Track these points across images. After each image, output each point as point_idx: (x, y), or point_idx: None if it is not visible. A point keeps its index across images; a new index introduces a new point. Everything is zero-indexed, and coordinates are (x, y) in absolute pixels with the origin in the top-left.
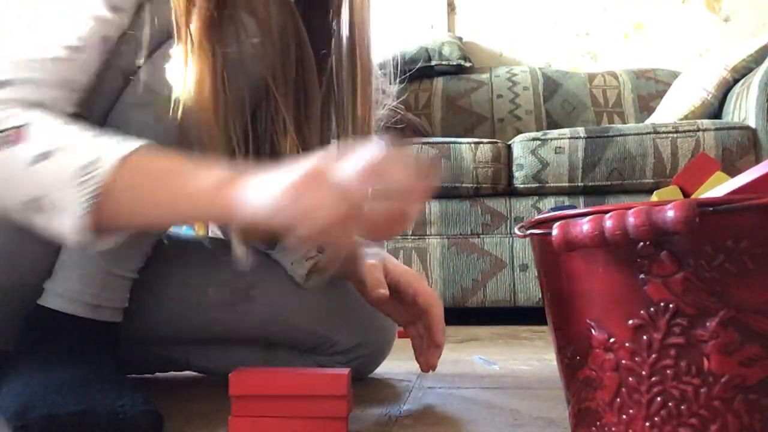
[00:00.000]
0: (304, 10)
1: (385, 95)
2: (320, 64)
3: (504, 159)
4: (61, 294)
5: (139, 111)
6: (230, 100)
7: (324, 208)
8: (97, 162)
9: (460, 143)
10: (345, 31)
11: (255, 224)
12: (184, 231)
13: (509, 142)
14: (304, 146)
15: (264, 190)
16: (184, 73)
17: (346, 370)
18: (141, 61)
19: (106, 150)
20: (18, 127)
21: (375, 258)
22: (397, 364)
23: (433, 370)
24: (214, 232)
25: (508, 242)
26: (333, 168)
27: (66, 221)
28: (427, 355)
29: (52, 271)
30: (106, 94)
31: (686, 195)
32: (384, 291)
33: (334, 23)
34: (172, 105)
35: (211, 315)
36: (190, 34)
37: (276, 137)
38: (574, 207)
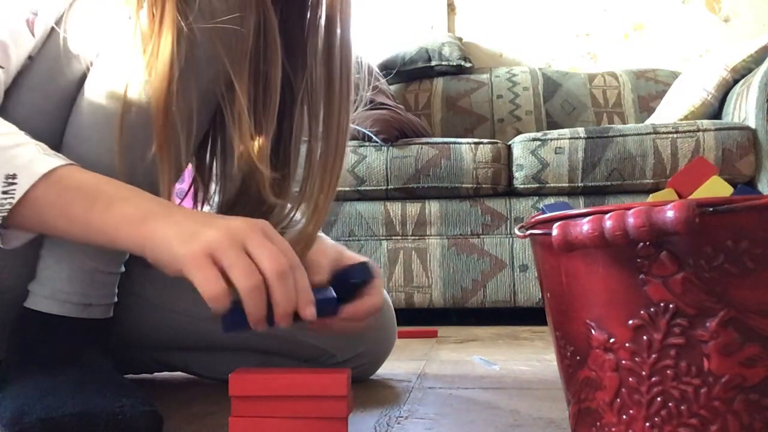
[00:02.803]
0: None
1: (357, 89)
2: (295, 54)
3: (504, 159)
4: (49, 296)
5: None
6: (186, 84)
7: (217, 287)
8: (17, 176)
9: (460, 144)
10: (322, 26)
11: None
12: None
13: (509, 143)
14: (259, 136)
15: (175, 244)
16: (141, 54)
17: (346, 371)
18: (97, 45)
19: (29, 162)
20: None
21: (332, 249)
22: (397, 364)
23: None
24: None
25: (508, 243)
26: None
27: None
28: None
29: (36, 273)
30: (64, 82)
31: (681, 198)
32: (321, 277)
33: (316, 14)
34: (123, 92)
35: (202, 326)
36: (153, 11)
37: (230, 124)
38: (567, 204)
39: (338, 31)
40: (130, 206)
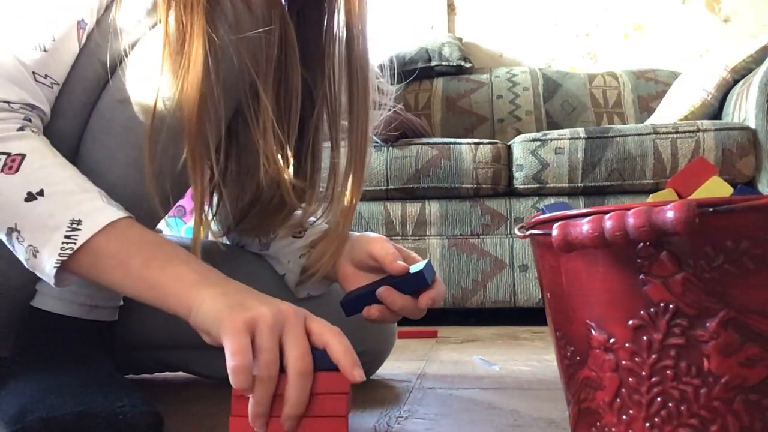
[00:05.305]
0: (299, 5)
1: (383, 95)
2: (313, 62)
3: (504, 159)
4: (56, 296)
5: (125, 106)
6: (215, 93)
7: (245, 372)
8: (82, 222)
9: (460, 144)
10: (341, 30)
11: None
12: (183, 233)
13: (509, 143)
14: (282, 144)
15: (221, 310)
16: (171, 64)
17: None
18: (122, 51)
19: (94, 210)
20: (16, 155)
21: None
22: (397, 365)
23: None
24: (223, 238)
25: (508, 243)
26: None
27: (38, 262)
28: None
29: None
30: (86, 86)
31: (681, 198)
32: (403, 264)
33: (333, 21)
34: (154, 100)
35: None
36: (183, 21)
37: (255, 133)
38: (567, 205)
39: (356, 35)
40: (186, 269)
